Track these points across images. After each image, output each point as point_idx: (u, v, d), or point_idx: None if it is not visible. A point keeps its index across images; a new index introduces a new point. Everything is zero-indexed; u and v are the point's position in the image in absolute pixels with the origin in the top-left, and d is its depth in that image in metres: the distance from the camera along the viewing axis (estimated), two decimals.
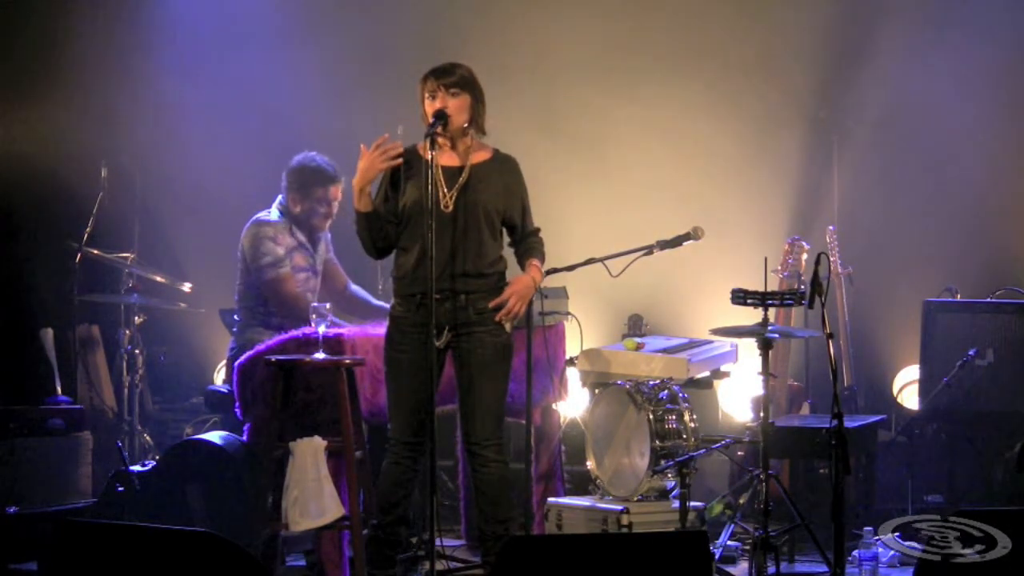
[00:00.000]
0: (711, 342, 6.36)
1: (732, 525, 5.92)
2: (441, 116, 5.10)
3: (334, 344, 5.51)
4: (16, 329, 7.55)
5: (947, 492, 6.80)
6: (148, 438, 7.40)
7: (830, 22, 7.79)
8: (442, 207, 5.11)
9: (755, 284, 5.70)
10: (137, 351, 7.34)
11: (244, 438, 5.90)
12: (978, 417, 6.68)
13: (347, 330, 5.71)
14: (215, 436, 6.01)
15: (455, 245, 5.11)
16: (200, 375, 8.10)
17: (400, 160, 5.12)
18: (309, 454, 5.24)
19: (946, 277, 7.27)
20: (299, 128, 7.62)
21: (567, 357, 6.27)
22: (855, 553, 5.69)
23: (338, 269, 6.63)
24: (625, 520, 5.67)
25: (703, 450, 5.78)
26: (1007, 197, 7.67)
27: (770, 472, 5.59)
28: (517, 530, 5.53)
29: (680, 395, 5.91)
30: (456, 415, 5.35)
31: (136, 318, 7.35)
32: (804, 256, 6.72)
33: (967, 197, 7.65)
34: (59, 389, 7.27)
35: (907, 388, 7.32)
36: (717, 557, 5.72)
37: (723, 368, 6.33)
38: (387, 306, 5.53)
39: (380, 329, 5.39)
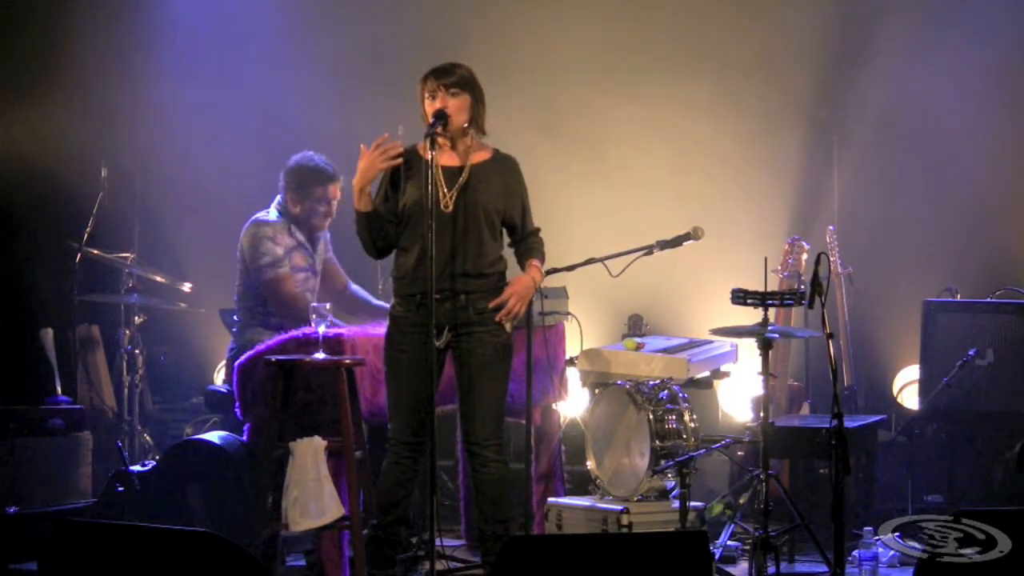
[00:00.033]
0: (711, 342, 6.35)
1: (732, 525, 5.92)
2: (441, 116, 5.09)
3: (334, 344, 5.51)
4: (16, 329, 7.54)
5: (947, 492, 6.80)
6: (148, 438, 7.39)
7: (830, 22, 7.78)
8: (442, 207, 5.10)
9: (755, 284, 5.70)
10: (137, 351, 7.33)
11: (244, 438, 5.90)
12: (978, 417, 6.68)
13: (347, 330, 5.71)
14: (215, 436, 6.00)
15: (455, 245, 5.11)
16: (200, 375, 8.10)
17: (400, 160, 5.11)
18: (309, 454, 5.23)
19: (946, 277, 7.26)
20: (299, 128, 7.61)
21: (567, 357, 6.27)
22: (855, 553, 5.69)
23: (338, 269, 6.63)
24: (625, 520, 5.67)
25: (703, 450, 5.78)
26: (1007, 197, 7.67)
27: (770, 472, 5.59)
28: (517, 530, 5.52)
29: (680, 395, 5.91)
30: (456, 415, 5.35)
31: (136, 318, 7.34)
32: (804, 256, 6.71)
33: (967, 197, 7.64)
34: (59, 389, 7.27)
35: (907, 388, 7.32)
36: (717, 557, 5.72)
37: (723, 368, 6.33)
38: (387, 306, 5.52)
39: (380, 329, 5.39)
